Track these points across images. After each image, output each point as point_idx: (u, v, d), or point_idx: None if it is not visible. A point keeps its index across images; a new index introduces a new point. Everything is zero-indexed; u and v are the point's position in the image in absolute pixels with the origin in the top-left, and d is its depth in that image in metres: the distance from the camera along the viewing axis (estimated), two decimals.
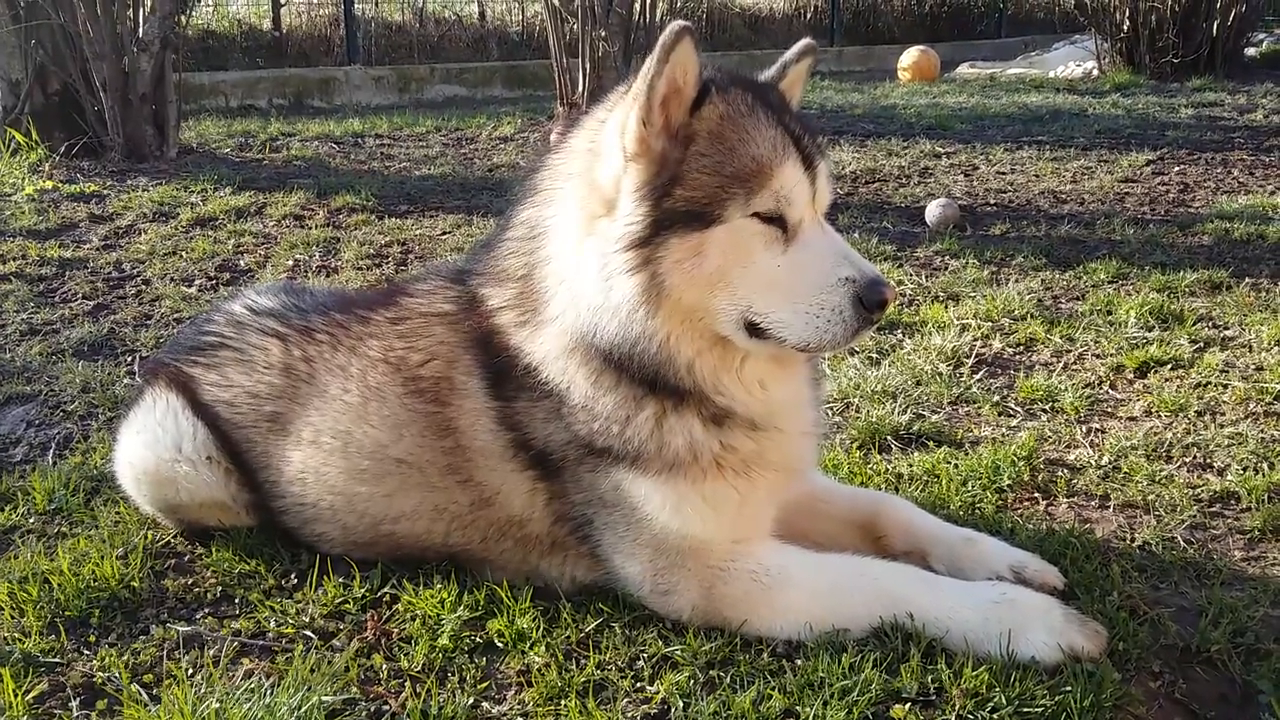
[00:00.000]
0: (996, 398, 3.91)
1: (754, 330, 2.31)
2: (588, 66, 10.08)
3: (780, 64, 2.58)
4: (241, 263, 6.09)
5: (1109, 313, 4.78)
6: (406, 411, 2.68)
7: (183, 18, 9.70)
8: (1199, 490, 3.14)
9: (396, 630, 2.53)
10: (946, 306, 4.95)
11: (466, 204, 7.47)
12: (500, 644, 2.46)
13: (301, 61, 15.00)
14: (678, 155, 2.26)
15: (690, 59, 2.21)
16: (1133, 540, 2.88)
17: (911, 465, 3.34)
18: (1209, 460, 3.35)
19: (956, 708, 2.14)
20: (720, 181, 2.25)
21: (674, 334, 2.33)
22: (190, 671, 2.38)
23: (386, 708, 2.24)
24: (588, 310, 2.36)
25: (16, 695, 2.28)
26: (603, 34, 9.89)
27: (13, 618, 2.62)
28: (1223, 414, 3.70)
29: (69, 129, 8.70)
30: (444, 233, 6.69)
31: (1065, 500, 3.14)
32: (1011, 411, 3.83)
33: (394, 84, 14.72)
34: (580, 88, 10.18)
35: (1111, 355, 4.29)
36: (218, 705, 2.18)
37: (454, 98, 14.76)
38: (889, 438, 3.57)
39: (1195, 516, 2.99)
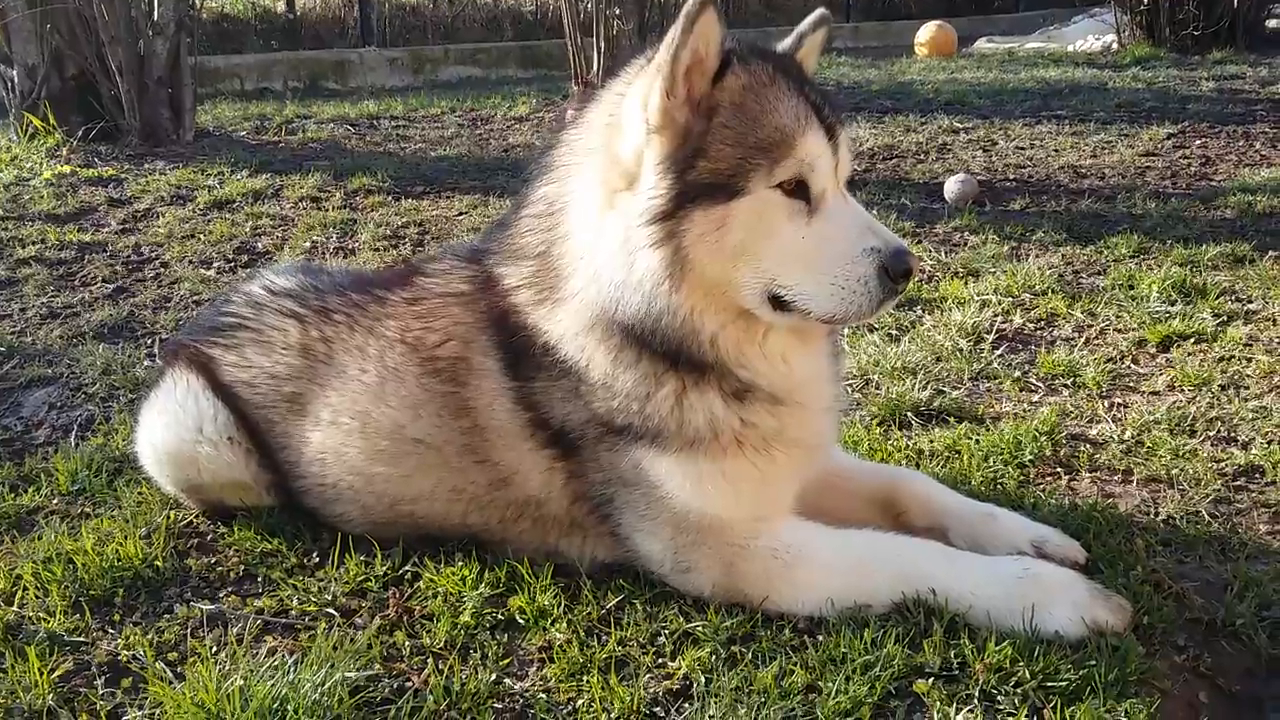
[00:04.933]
0: (1017, 373, 3.89)
1: (778, 303, 2.30)
2: (602, 45, 10.03)
3: (796, 35, 2.57)
4: (259, 245, 6.10)
5: (1131, 287, 4.74)
6: (424, 392, 2.68)
7: (197, 1, 9.69)
8: (1223, 464, 3.11)
9: (418, 608, 2.53)
10: (966, 282, 4.91)
11: (482, 184, 7.45)
12: (522, 621, 2.46)
13: (316, 44, 15.01)
14: (701, 127, 2.25)
15: (713, 29, 2.19)
16: (1157, 514, 2.86)
17: (932, 441, 3.32)
18: (1233, 434, 3.32)
19: (980, 682, 2.13)
20: (744, 152, 2.24)
21: (697, 308, 2.32)
22: (214, 649, 2.39)
23: (409, 684, 2.25)
24: (609, 285, 2.35)
25: (42, 674, 2.30)
26: (617, 12, 9.83)
27: (38, 597, 2.64)
28: (1246, 388, 3.66)
29: (86, 113, 8.69)
30: (460, 213, 6.68)
31: (1088, 475, 3.12)
32: (1033, 387, 3.80)
33: (409, 65, 14.70)
34: (595, 67, 10.12)
35: (1133, 330, 4.26)
36: (242, 683, 2.19)
37: (469, 78, 14.73)
38: (909, 414, 3.55)
39: (1220, 490, 2.96)
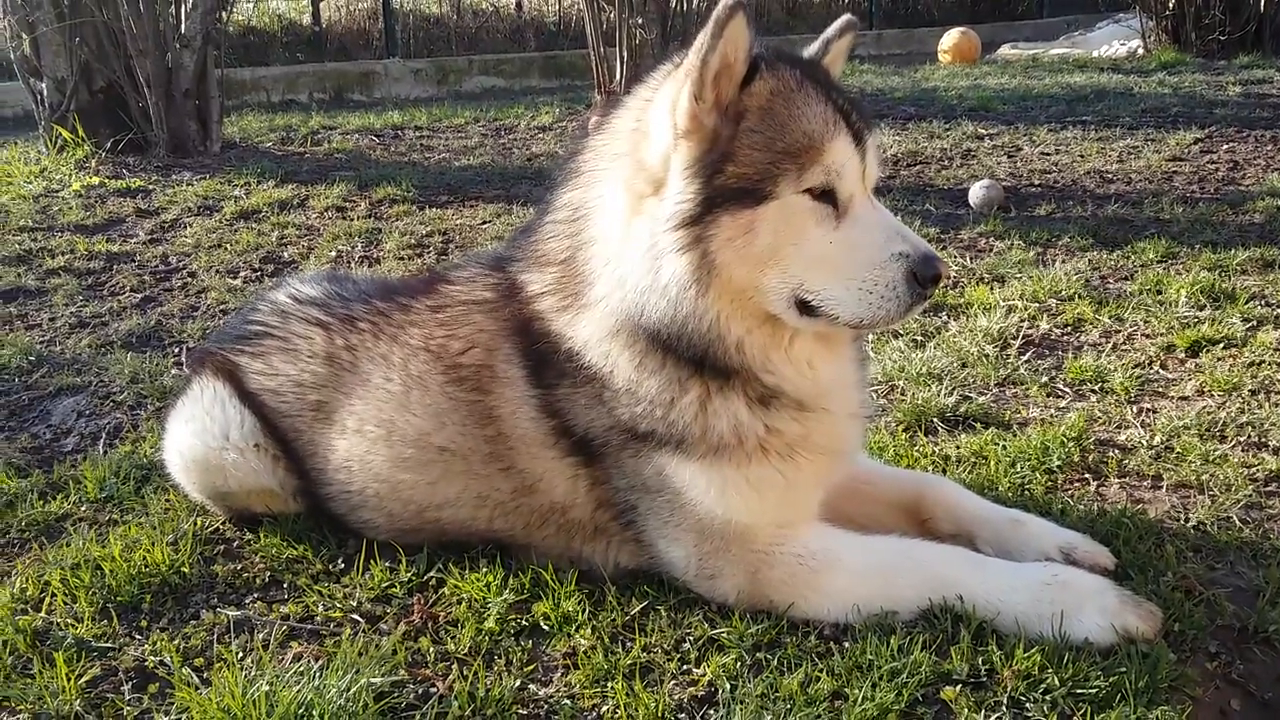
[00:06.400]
0: (1044, 379, 3.86)
1: (805, 308, 2.30)
2: (625, 55, 10.06)
3: (823, 40, 2.56)
4: (285, 254, 6.14)
5: (1159, 292, 4.70)
6: (448, 400, 2.68)
7: (224, 14, 9.79)
8: (1254, 469, 3.08)
9: (443, 614, 2.53)
10: (992, 288, 4.88)
11: (506, 193, 7.48)
12: (546, 627, 2.46)
13: (341, 55, 15.12)
14: (729, 132, 2.24)
15: (743, 35, 2.19)
16: (1187, 520, 2.82)
17: (959, 447, 3.30)
18: (1264, 439, 3.28)
19: (1008, 689, 2.11)
20: (772, 158, 2.23)
21: (724, 313, 2.31)
22: (240, 655, 2.40)
23: (434, 690, 2.25)
24: (634, 291, 2.35)
25: (70, 679, 2.31)
26: (640, 22, 9.87)
27: (66, 604, 2.66)
28: (1277, 392, 3.62)
29: (114, 125, 8.78)
30: (484, 222, 6.70)
31: (1116, 481, 3.09)
32: (1060, 392, 3.77)
33: (432, 76, 14.78)
34: (618, 76, 10.16)
35: (1162, 335, 4.22)
36: (268, 688, 2.20)
37: (492, 89, 14.80)
38: (935, 420, 3.53)
39: (1251, 496, 2.93)
